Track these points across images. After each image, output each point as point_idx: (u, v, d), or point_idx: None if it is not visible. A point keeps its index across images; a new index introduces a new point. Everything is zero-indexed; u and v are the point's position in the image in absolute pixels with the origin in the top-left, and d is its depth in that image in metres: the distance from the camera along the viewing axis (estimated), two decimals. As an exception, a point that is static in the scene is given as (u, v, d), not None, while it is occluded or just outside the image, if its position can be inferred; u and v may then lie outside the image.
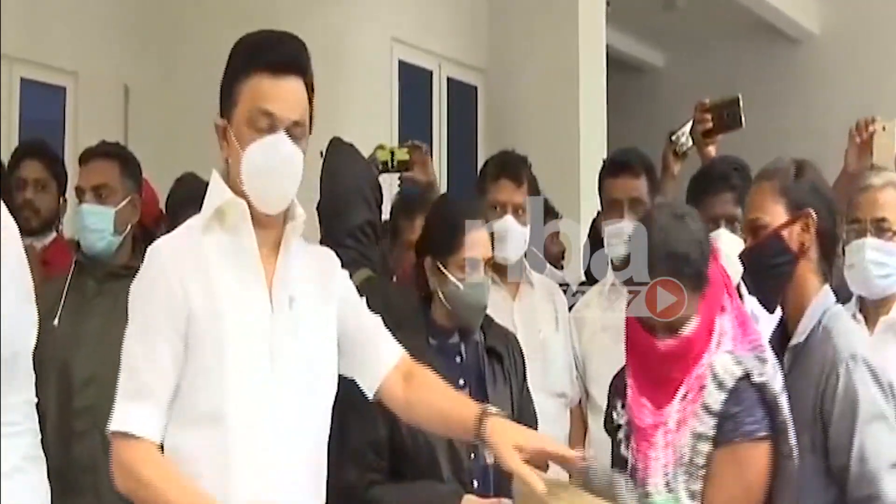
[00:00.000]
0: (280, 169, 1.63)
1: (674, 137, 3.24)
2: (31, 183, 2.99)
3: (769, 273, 1.89)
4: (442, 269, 2.12)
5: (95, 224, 2.52)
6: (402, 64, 4.88)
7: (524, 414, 2.19)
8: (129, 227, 2.57)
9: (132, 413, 1.60)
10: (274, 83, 1.63)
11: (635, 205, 2.60)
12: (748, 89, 6.65)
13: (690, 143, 3.25)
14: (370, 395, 1.82)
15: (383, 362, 1.81)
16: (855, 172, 2.61)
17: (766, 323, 2.07)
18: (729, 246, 2.32)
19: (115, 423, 1.60)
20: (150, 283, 1.65)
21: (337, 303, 1.77)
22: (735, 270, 2.35)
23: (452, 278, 2.11)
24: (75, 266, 2.54)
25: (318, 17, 4.23)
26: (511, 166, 2.67)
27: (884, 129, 2.68)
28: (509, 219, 2.58)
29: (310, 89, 1.68)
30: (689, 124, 3.28)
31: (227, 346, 1.62)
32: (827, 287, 1.90)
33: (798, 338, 1.86)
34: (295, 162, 1.65)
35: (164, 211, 2.84)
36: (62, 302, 2.48)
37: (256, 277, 1.66)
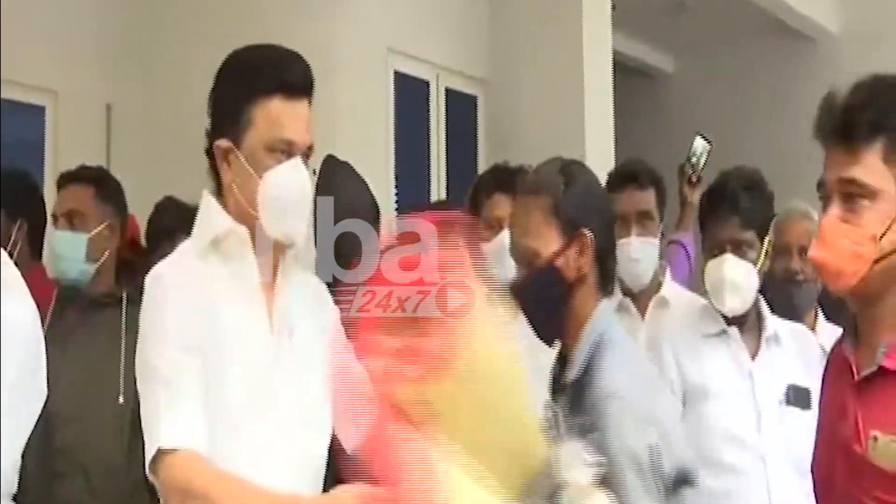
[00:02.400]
0: (300, 196, 1.66)
1: (686, 168, 3.30)
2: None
3: (545, 306, 1.77)
4: None
5: (66, 251, 2.53)
6: (397, 75, 4.89)
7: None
8: (105, 253, 2.56)
9: (176, 425, 1.56)
10: (291, 107, 1.65)
11: (643, 219, 2.61)
12: (763, 91, 6.66)
13: (703, 164, 3.31)
14: (349, 451, 1.77)
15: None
16: None
17: None
18: (735, 272, 2.32)
19: (164, 440, 1.55)
20: (161, 305, 1.65)
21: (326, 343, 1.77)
22: (742, 299, 2.36)
23: None
24: (56, 297, 2.56)
25: (308, 26, 4.25)
26: (504, 180, 2.69)
27: None
28: (506, 234, 2.58)
29: (311, 108, 1.71)
30: (696, 146, 3.35)
31: (228, 381, 1.63)
32: (601, 306, 1.80)
33: (575, 372, 1.75)
34: (311, 188, 1.69)
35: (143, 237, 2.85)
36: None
37: (258, 308, 1.68)
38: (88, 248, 2.53)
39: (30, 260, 2.90)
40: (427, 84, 5.13)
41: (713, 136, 3.49)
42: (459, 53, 5.25)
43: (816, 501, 1.69)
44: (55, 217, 2.60)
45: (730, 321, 2.43)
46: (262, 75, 1.66)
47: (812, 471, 1.71)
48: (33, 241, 2.98)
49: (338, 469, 1.71)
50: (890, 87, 1.56)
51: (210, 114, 1.73)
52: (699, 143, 3.41)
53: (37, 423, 2.34)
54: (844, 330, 1.69)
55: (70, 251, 2.53)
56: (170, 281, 1.66)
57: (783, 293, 2.67)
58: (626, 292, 2.68)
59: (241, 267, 1.67)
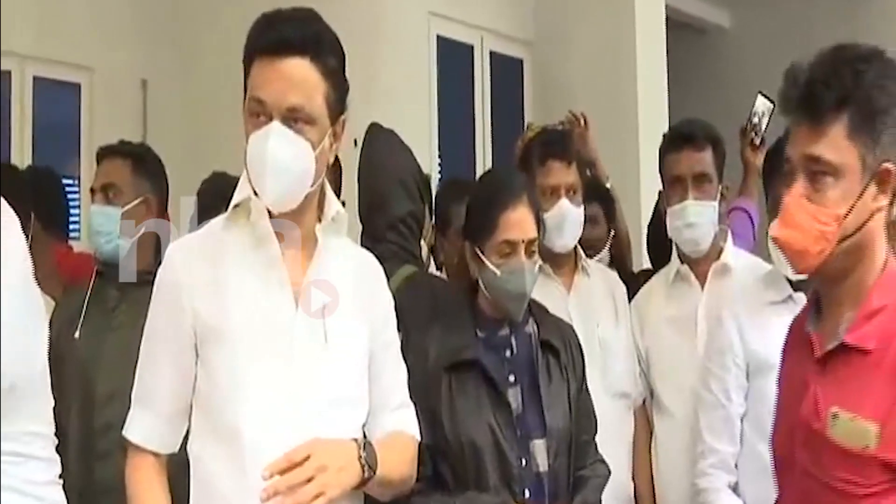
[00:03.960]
0: (272, 163, 1.60)
1: (747, 129, 3.22)
2: None
3: None
4: (480, 254, 2.10)
5: (101, 225, 2.55)
6: (440, 39, 4.87)
7: (582, 415, 2.16)
8: (142, 229, 2.58)
9: (135, 421, 1.75)
10: (268, 67, 1.61)
11: (700, 181, 2.55)
12: (821, 45, 6.47)
13: (765, 126, 3.23)
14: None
15: (377, 429, 1.79)
16: None
17: None
18: None
19: (125, 429, 1.76)
20: (159, 292, 1.72)
21: (370, 329, 1.77)
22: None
23: (490, 264, 2.08)
24: (96, 274, 2.59)
25: (347, -6, 4.24)
26: (557, 145, 2.65)
27: None
28: (564, 202, 2.56)
29: (326, 69, 1.65)
30: (758, 106, 3.26)
31: (240, 355, 1.64)
32: None
33: None
34: (288, 154, 1.61)
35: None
36: (83, 313, 2.52)
37: (280, 280, 1.66)
38: (123, 222, 2.56)
39: (48, 244, 2.96)
40: (471, 48, 5.10)
41: (773, 94, 3.41)
42: (504, 15, 5.20)
43: (777, 482, 1.69)
44: (92, 191, 2.63)
45: (795, 287, 2.37)
46: (251, 38, 1.66)
47: (772, 450, 1.71)
48: (50, 225, 3.04)
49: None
50: (854, 60, 1.53)
51: None
52: (761, 103, 3.32)
53: (78, 403, 2.42)
54: (806, 307, 1.71)
55: (105, 225, 2.55)
56: (179, 259, 1.70)
57: None
58: (684, 259, 2.64)
59: (258, 236, 1.67)
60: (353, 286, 1.74)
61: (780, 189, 2.33)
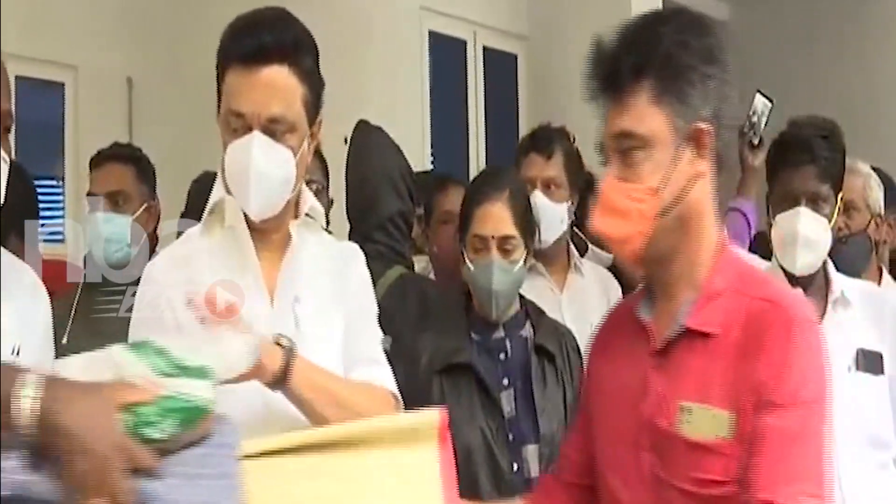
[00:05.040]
0: (255, 174, 1.60)
1: (745, 129, 3.24)
2: None
3: None
4: (462, 250, 2.14)
5: (112, 234, 2.55)
6: (432, 34, 4.88)
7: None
8: (144, 237, 2.59)
9: None
10: (245, 77, 1.60)
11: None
12: (825, 42, 6.48)
13: (764, 124, 3.25)
14: None
15: None
16: None
17: None
18: (811, 228, 2.27)
19: None
20: (140, 304, 1.70)
21: (345, 310, 1.75)
22: (816, 257, 2.31)
23: (466, 259, 2.13)
24: (83, 284, 2.58)
25: (337, -11, 4.24)
26: (539, 139, 2.68)
27: None
28: (537, 194, 2.55)
29: (303, 72, 1.64)
30: (756, 105, 3.28)
31: None
32: None
33: None
34: (271, 164, 1.61)
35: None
36: (71, 319, 2.52)
37: (254, 275, 1.67)
38: (132, 229, 2.56)
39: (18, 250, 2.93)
40: (464, 43, 5.11)
41: (772, 92, 3.42)
42: (497, 9, 5.21)
43: (606, 496, 1.55)
44: (94, 197, 2.62)
45: (794, 283, 2.38)
46: (224, 46, 1.64)
47: (599, 459, 1.57)
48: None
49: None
50: (650, 25, 1.47)
51: None
52: (760, 102, 3.32)
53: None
54: (635, 295, 1.59)
55: (115, 233, 2.55)
56: (160, 266, 1.70)
57: (832, 252, 2.61)
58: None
59: (234, 237, 1.68)
60: (327, 272, 1.75)
61: (789, 179, 2.35)
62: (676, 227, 1.45)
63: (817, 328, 1.46)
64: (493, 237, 2.11)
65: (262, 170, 1.61)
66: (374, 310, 1.80)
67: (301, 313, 1.68)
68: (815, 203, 2.29)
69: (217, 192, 1.71)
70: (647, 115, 1.43)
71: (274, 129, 1.62)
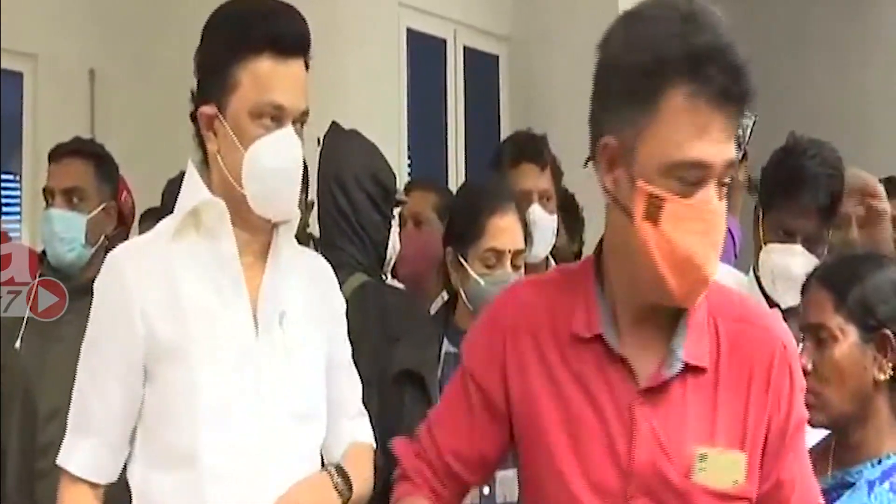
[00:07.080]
0: (290, 170, 1.63)
1: None
2: None
3: None
4: (463, 262, 2.10)
5: (65, 232, 2.53)
6: (410, 32, 4.88)
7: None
8: (101, 237, 2.57)
9: (73, 449, 1.69)
10: (282, 68, 1.61)
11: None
12: (818, 42, 6.47)
13: (748, 137, 3.28)
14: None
15: (339, 441, 1.80)
16: None
17: None
18: (804, 269, 2.28)
19: (60, 458, 1.70)
20: (103, 305, 1.67)
21: (326, 335, 1.77)
22: (798, 295, 2.32)
23: (473, 273, 2.09)
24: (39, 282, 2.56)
25: (312, -19, 4.23)
26: (531, 148, 2.67)
27: None
28: (536, 208, 2.57)
29: (307, 69, 1.67)
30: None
31: (198, 375, 1.62)
32: None
33: None
34: (301, 161, 1.66)
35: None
36: (24, 323, 2.50)
37: (237, 290, 1.66)
38: (88, 229, 2.54)
39: None
40: (443, 42, 5.11)
41: (762, 99, 3.44)
42: (479, 7, 5.22)
43: None
44: (50, 192, 2.60)
45: (771, 304, 2.40)
46: (249, 30, 1.60)
47: None
48: None
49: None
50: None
51: (196, 75, 1.69)
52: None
53: (19, 419, 2.39)
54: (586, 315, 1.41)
55: (69, 232, 2.53)
56: (129, 266, 1.65)
57: None
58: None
59: (218, 244, 1.65)
60: (307, 292, 1.75)
61: (789, 215, 2.34)
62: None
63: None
64: (509, 251, 2.08)
65: (298, 166, 1.65)
66: (349, 344, 1.84)
67: (288, 334, 1.68)
68: (812, 244, 2.33)
69: (197, 193, 1.67)
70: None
71: (299, 124, 1.64)
